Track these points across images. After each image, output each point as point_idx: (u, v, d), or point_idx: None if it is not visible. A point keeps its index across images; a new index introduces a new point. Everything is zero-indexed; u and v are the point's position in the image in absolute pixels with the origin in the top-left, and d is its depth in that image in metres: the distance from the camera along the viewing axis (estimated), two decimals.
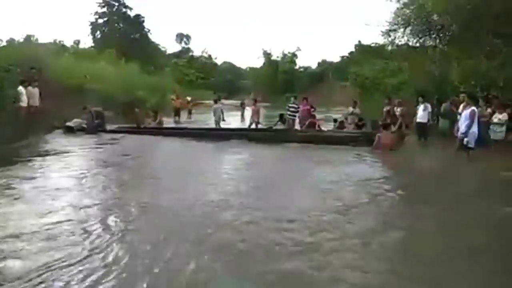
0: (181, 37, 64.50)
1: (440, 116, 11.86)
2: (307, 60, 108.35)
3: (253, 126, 13.96)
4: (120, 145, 10.32)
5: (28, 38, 32.03)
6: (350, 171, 7.31)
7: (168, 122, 16.67)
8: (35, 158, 7.88)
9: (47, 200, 5.00)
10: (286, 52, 49.52)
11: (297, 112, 13.64)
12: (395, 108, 12.29)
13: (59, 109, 12.70)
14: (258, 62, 63.23)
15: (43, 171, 6.76)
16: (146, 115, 14.50)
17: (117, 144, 10.38)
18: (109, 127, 12.86)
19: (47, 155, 8.38)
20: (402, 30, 14.49)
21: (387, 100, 13.36)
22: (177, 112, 19.00)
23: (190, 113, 21.87)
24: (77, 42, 37.74)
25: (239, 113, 22.37)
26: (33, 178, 6.18)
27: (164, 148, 10.46)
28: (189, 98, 30.50)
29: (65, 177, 6.32)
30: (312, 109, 13.72)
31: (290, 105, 13.97)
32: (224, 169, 7.35)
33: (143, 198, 5.15)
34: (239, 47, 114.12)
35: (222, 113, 14.71)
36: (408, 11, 14.06)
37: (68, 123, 11.78)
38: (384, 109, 12.63)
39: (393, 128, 11.20)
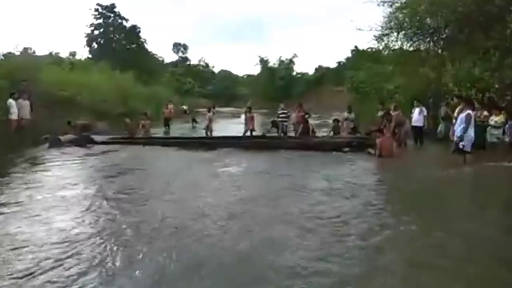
0: (178, 46, 64.76)
1: (441, 119, 11.75)
2: (304, 66, 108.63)
3: (248, 133, 13.86)
4: (106, 157, 10.07)
5: (25, 51, 32.09)
6: (342, 178, 7.14)
7: (158, 132, 16.28)
8: (18, 171, 7.69)
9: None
10: (283, 59, 49.57)
11: (287, 117, 13.69)
12: (390, 111, 12.15)
13: (50, 121, 12.57)
14: (255, 69, 63.28)
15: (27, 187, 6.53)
16: (137, 125, 14.30)
17: (101, 157, 10.07)
18: (101, 138, 12.65)
19: (32, 167, 8.22)
20: (395, 34, 14.44)
21: (380, 105, 13.25)
22: (166, 122, 17.95)
23: (195, 121, 21.20)
24: (73, 54, 37.82)
25: (236, 120, 22.16)
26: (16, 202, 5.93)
27: (152, 159, 10.14)
28: (185, 107, 30.53)
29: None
30: (307, 115, 13.65)
31: (279, 111, 14.08)
32: (211, 186, 6.67)
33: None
34: (236, 55, 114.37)
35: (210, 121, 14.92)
36: (401, 15, 14.00)
37: (56, 138, 11.51)
38: (378, 114, 12.50)
39: (386, 129, 10.99)
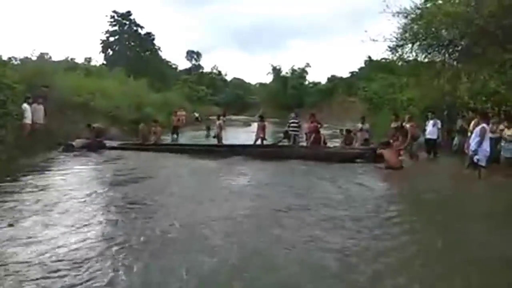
0: (191, 54, 65.40)
1: (457, 132, 11.58)
2: (317, 75, 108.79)
3: (259, 142, 13.80)
4: (116, 164, 10.08)
5: (41, 56, 32.73)
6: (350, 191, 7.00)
7: (166, 139, 16.22)
8: (29, 174, 7.76)
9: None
10: (295, 68, 49.63)
11: (299, 127, 13.49)
12: (403, 124, 11.97)
13: (64, 125, 12.72)
14: (267, 78, 63.34)
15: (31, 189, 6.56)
16: (149, 132, 14.35)
17: (111, 164, 10.06)
18: (112, 143, 12.76)
19: (43, 171, 8.28)
20: (410, 45, 14.32)
21: (394, 116, 13.09)
22: (175, 130, 17.62)
23: (209, 129, 20.75)
24: (88, 60, 38.42)
25: (247, 128, 22.08)
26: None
27: (160, 167, 9.91)
28: (196, 114, 30.68)
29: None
30: (319, 125, 13.56)
31: (290, 121, 13.81)
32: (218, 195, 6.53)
33: None
34: (249, 63, 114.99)
35: (221, 129, 14.92)
36: (416, 26, 13.89)
37: (70, 142, 11.69)
38: (392, 125, 12.34)
39: (400, 142, 10.83)
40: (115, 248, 3.99)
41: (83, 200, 5.95)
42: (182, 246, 4.13)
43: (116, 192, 6.63)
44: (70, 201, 5.85)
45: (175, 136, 17.43)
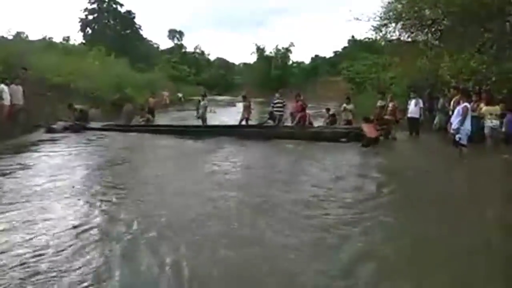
0: (173, 33, 63.99)
1: (438, 111, 11.77)
2: (301, 55, 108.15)
3: (244, 122, 13.78)
4: (101, 143, 10.00)
5: (17, 35, 31.55)
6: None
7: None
8: (7, 158, 7.59)
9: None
10: (279, 48, 49.18)
11: (283, 107, 13.46)
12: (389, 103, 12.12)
13: (44, 107, 12.42)
14: (251, 58, 62.72)
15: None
16: (134, 114, 14.15)
17: (97, 143, 10.01)
18: (95, 124, 12.55)
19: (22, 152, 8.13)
20: (393, 25, 14.38)
21: (380, 95, 13.19)
22: (151, 112, 16.21)
23: (198, 109, 20.29)
24: (66, 39, 37.32)
25: (232, 109, 21.92)
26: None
27: (148, 148, 10.04)
28: (180, 95, 30.36)
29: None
30: (304, 105, 13.56)
31: (275, 101, 13.60)
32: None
33: None
34: (232, 43, 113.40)
35: (205, 110, 14.68)
36: (399, 5, 13.91)
37: (51, 125, 11.45)
38: (378, 104, 12.46)
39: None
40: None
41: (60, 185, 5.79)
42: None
43: (94, 176, 6.56)
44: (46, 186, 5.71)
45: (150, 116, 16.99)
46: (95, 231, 3.98)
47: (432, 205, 5.05)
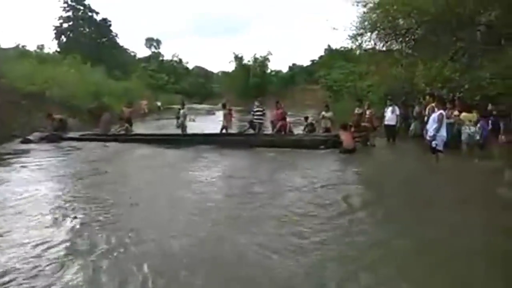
0: (150, 41, 63.53)
1: (413, 118, 12.06)
2: (278, 63, 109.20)
3: (224, 130, 13.78)
4: (80, 154, 9.77)
5: None
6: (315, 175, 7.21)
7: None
8: None
9: None
10: (257, 56, 49.47)
11: (263, 115, 13.53)
12: (367, 110, 12.38)
13: (19, 116, 12.08)
14: (229, 66, 62.83)
15: None
16: (112, 123, 13.93)
17: (76, 154, 9.78)
18: (73, 134, 12.28)
19: None
20: (369, 34, 14.69)
21: (358, 102, 13.43)
22: (127, 121, 15.46)
23: (178, 118, 19.81)
24: (40, 47, 36.40)
25: (211, 117, 21.91)
26: None
27: (120, 159, 9.67)
28: (159, 103, 30.11)
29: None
30: (285, 113, 13.68)
31: (255, 109, 13.60)
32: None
33: None
34: (210, 51, 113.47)
35: (185, 118, 14.71)
36: (374, 15, 14.25)
37: (27, 137, 11.13)
38: (356, 112, 12.68)
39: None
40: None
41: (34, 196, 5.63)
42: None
43: (69, 186, 6.39)
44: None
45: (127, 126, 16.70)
46: (60, 247, 3.80)
47: (413, 209, 5.20)
